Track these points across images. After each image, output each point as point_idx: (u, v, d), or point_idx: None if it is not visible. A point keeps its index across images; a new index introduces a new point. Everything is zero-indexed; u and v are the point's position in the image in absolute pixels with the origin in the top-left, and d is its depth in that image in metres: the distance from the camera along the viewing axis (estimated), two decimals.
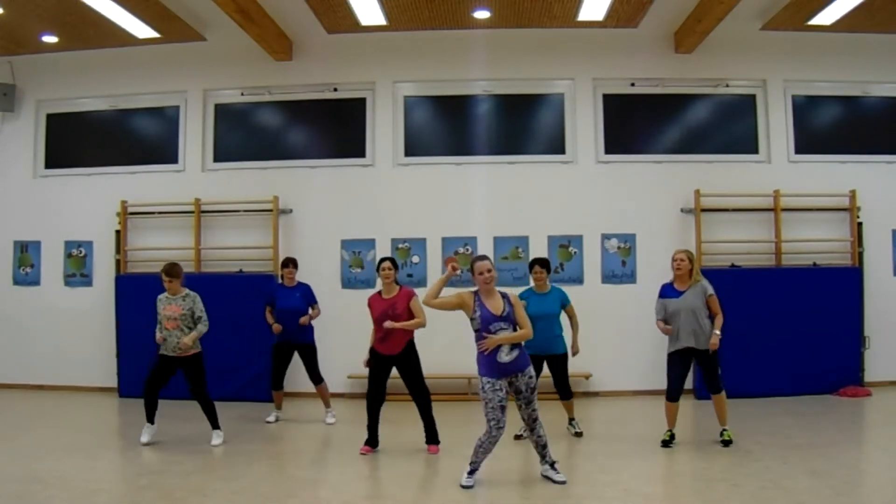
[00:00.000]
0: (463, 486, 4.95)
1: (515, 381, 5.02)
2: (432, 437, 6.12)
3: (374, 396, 6.10)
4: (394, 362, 6.08)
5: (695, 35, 8.73)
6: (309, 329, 7.47)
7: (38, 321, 9.58)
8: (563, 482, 5.00)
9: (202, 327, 6.37)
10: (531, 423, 5.10)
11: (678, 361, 6.15)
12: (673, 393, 6.19)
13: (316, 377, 7.45)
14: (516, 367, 5.00)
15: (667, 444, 6.13)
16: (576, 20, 8.90)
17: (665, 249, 8.94)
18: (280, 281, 7.76)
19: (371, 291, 8.90)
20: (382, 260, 6.28)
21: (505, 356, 4.96)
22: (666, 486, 5.28)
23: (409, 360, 6.07)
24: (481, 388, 4.97)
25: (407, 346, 6.08)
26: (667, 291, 6.25)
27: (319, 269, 9.07)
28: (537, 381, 6.43)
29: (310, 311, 7.46)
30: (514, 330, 5.00)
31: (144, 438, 6.38)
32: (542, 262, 6.69)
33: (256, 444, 6.59)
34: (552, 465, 5.12)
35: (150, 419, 6.44)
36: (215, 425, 6.49)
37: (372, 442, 6.13)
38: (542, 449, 5.14)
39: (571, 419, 6.77)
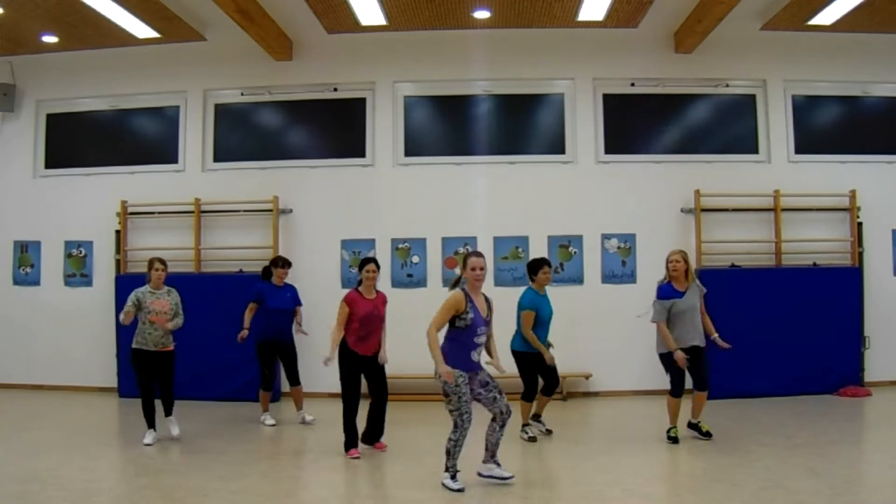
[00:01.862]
0: (456, 490, 4.89)
1: (476, 375, 5.06)
2: (379, 435, 6.23)
3: (354, 397, 6.06)
4: (367, 361, 6.10)
5: (695, 35, 8.73)
6: (290, 330, 7.57)
7: (38, 321, 9.58)
8: (512, 476, 5.08)
9: (180, 321, 6.55)
10: (508, 415, 5.06)
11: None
12: (679, 389, 6.30)
13: (296, 378, 7.51)
14: (479, 366, 5.11)
15: (675, 440, 6.22)
16: (576, 20, 8.90)
17: (665, 249, 8.92)
18: (268, 280, 7.65)
19: None
20: (367, 261, 6.23)
21: (476, 356, 5.04)
22: (666, 486, 5.28)
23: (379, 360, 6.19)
24: (453, 384, 4.89)
25: (381, 346, 6.20)
26: (670, 292, 6.29)
27: (319, 269, 9.09)
28: (533, 381, 6.63)
29: (300, 312, 7.66)
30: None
31: (149, 440, 6.38)
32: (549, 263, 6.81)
33: (256, 444, 6.60)
34: (498, 463, 5.14)
35: (152, 424, 6.46)
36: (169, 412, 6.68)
37: (354, 443, 6.05)
38: (495, 447, 5.12)
39: (538, 415, 6.81)
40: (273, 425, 7.33)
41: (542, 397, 6.78)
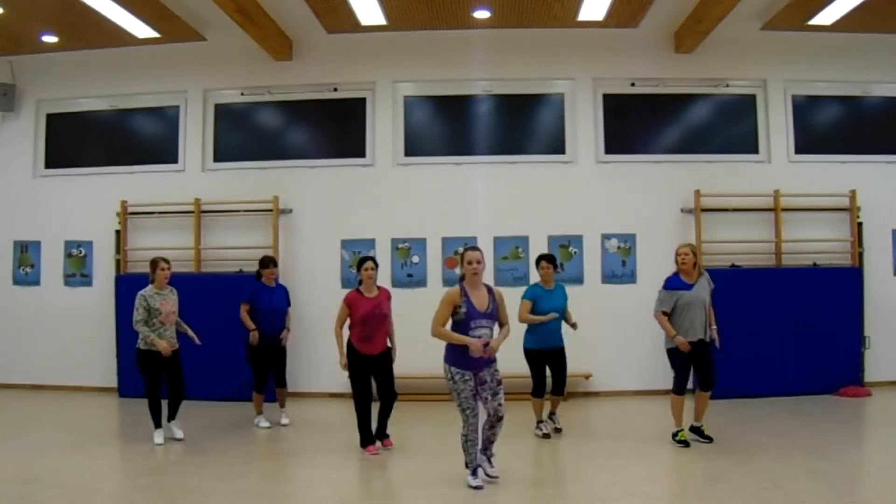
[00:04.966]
0: (473, 487, 4.94)
1: (481, 372, 5.03)
2: (382, 432, 6.27)
3: (364, 396, 6.08)
4: (374, 361, 6.10)
5: (695, 35, 8.73)
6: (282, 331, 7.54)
7: (38, 321, 9.58)
8: (496, 477, 5.12)
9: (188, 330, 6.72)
10: (496, 419, 5.04)
11: (687, 354, 6.17)
12: (684, 386, 6.23)
13: (283, 380, 7.54)
14: (485, 362, 5.03)
15: (685, 443, 6.14)
16: (576, 20, 8.89)
17: (665, 249, 8.94)
18: (259, 280, 7.56)
19: None
20: (365, 259, 6.26)
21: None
22: (666, 486, 5.28)
23: (387, 359, 6.20)
24: (450, 379, 4.98)
25: (387, 345, 6.24)
26: (677, 283, 6.27)
27: (319, 269, 9.09)
28: (541, 378, 6.64)
29: (290, 312, 7.60)
30: (494, 326, 5.07)
31: (159, 440, 6.38)
32: (550, 258, 6.80)
33: (256, 444, 6.60)
34: (490, 458, 5.19)
35: (160, 424, 6.46)
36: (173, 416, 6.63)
37: (371, 440, 6.13)
38: (487, 442, 5.17)
39: (552, 413, 6.87)
40: (268, 427, 7.27)
41: (552, 397, 6.83)
